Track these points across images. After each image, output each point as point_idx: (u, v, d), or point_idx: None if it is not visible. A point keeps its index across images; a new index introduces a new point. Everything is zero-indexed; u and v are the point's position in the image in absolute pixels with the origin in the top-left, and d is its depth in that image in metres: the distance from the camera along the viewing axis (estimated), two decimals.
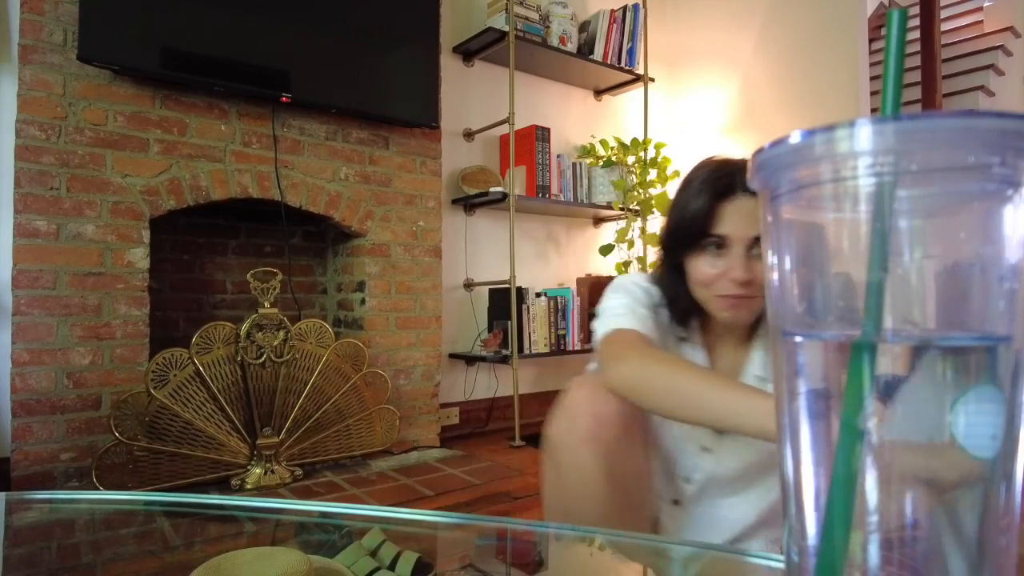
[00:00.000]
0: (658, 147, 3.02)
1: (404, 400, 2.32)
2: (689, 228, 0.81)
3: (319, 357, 2.03)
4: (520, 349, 2.51)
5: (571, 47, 2.86)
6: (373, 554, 0.57)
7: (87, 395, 1.75)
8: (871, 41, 3.04)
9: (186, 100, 1.92)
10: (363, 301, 2.32)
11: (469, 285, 2.73)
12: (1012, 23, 3.97)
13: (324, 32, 2.08)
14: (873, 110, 2.70)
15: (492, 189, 2.58)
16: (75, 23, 1.70)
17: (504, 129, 2.60)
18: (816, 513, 0.24)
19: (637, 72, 3.04)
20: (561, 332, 2.72)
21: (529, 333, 2.60)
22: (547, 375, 2.94)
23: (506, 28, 2.52)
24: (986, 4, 4.20)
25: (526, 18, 2.66)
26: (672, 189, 3.05)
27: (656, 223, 2.93)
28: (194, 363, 1.80)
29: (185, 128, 1.92)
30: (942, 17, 3.63)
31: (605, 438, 0.78)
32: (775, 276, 0.26)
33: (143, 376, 1.75)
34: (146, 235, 1.85)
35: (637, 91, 3.13)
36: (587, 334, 2.77)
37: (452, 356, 2.64)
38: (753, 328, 0.91)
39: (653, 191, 2.92)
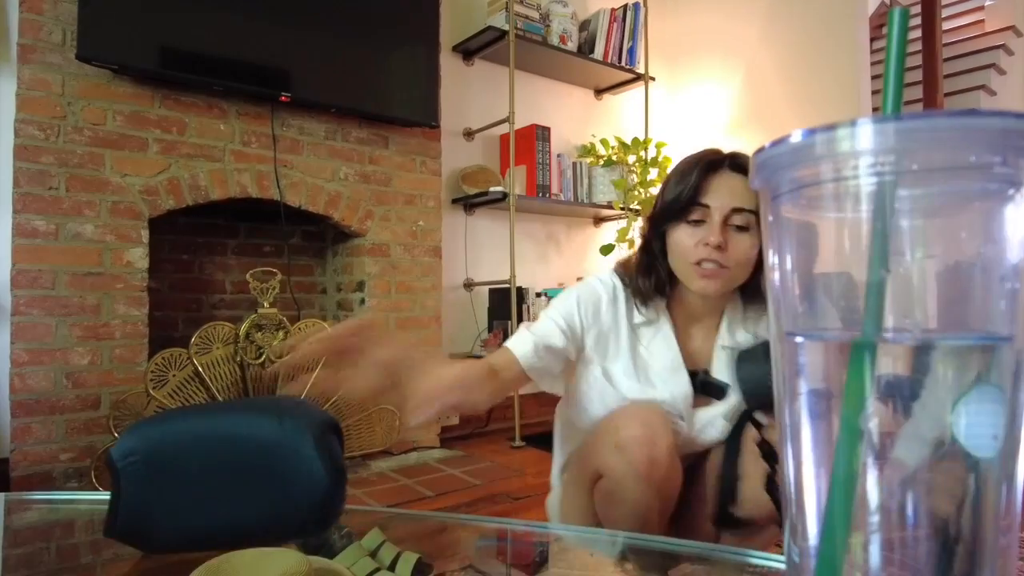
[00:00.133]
0: (659, 146, 3.01)
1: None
2: (678, 198, 0.87)
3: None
4: None
5: (571, 46, 2.86)
6: (373, 555, 0.57)
7: (86, 395, 1.75)
8: (872, 40, 3.04)
9: (185, 99, 1.91)
10: (363, 301, 2.32)
11: (469, 285, 2.72)
12: (1013, 22, 3.96)
13: (323, 31, 2.08)
14: (874, 109, 2.70)
15: (492, 189, 2.58)
16: (74, 22, 1.70)
17: (504, 128, 2.60)
18: (817, 513, 0.24)
19: (638, 71, 3.04)
20: None
21: None
22: None
23: (506, 27, 2.52)
24: (987, 3, 4.20)
25: (526, 17, 2.65)
26: None
27: None
28: (193, 363, 1.80)
29: (184, 127, 1.91)
30: (943, 16, 3.62)
31: (658, 477, 0.84)
32: (775, 276, 0.26)
33: (142, 376, 1.75)
34: (145, 235, 1.85)
35: (638, 90, 3.13)
36: None
37: (452, 356, 2.64)
38: (720, 309, 0.97)
39: (654, 190, 2.92)
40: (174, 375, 1.77)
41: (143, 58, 1.78)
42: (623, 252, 2.91)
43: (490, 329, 2.67)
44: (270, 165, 2.06)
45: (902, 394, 0.23)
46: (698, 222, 0.87)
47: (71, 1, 1.71)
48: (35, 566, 0.69)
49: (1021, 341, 0.22)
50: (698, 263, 0.87)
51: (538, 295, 2.69)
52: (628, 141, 2.99)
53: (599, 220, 3.16)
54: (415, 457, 2.25)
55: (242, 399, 0.50)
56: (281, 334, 1.94)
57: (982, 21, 4.19)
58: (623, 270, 1.00)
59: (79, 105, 1.74)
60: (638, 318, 0.97)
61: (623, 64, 3.00)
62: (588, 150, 3.04)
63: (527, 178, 2.74)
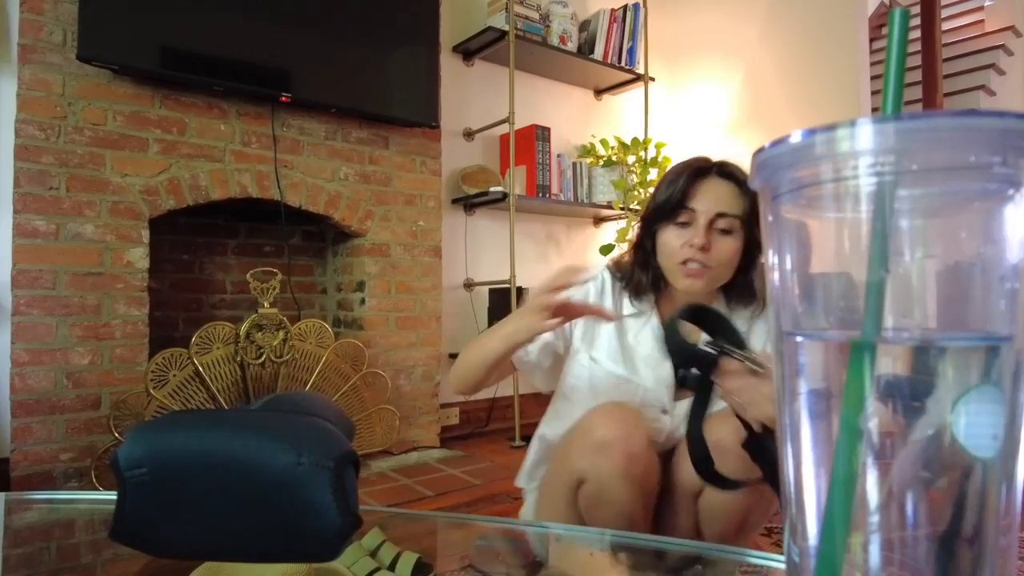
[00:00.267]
0: (658, 146, 3.02)
1: (404, 400, 2.32)
2: (668, 201, 0.93)
3: (319, 357, 2.03)
4: None
5: (571, 46, 2.86)
6: (373, 554, 0.57)
7: (86, 395, 1.75)
8: (872, 40, 3.04)
9: (185, 100, 1.91)
10: (363, 301, 2.32)
11: (469, 285, 2.72)
12: (1013, 22, 3.97)
13: (324, 31, 2.08)
14: (874, 109, 2.70)
15: (492, 189, 2.58)
16: (74, 23, 1.70)
17: (504, 129, 2.60)
18: (817, 513, 0.24)
19: (637, 71, 3.04)
20: None
21: None
22: None
23: (506, 27, 2.52)
24: (987, 3, 4.20)
25: (526, 17, 2.65)
26: None
27: None
28: (193, 363, 1.80)
29: (184, 128, 1.92)
30: (943, 16, 3.63)
31: (638, 473, 0.87)
32: (775, 276, 0.26)
33: (142, 376, 1.75)
34: (145, 235, 1.85)
35: (638, 90, 3.13)
36: None
37: (452, 356, 2.64)
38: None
39: (653, 191, 2.92)
40: (174, 375, 1.77)
41: (143, 58, 1.78)
42: (623, 252, 2.91)
43: None
44: (270, 165, 2.06)
45: (902, 394, 0.23)
46: (685, 224, 0.92)
47: (71, 1, 1.71)
48: (35, 566, 0.69)
49: (1021, 341, 0.22)
50: (684, 262, 0.92)
51: None
52: (628, 141, 2.99)
53: (599, 220, 3.16)
54: (415, 457, 2.25)
55: (257, 407, 0.50)
56: (281, 334, 1.94)
57: (982, 21, 4.19)
58: (615, 266, 1.06)
59: (79, 105, 1.74)
60: (628, 310, 1.01)
61: (623, 64, 3.00)
62: (588, 150, 3.04)
63: (527, 178, 2.74)
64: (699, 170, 0.93)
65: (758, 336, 0.98)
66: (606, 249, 2.90)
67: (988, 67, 3.82)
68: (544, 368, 1.04)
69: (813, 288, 0.25)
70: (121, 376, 1.79)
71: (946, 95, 3.45)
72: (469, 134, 2.74)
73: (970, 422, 0.22)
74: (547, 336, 0.95)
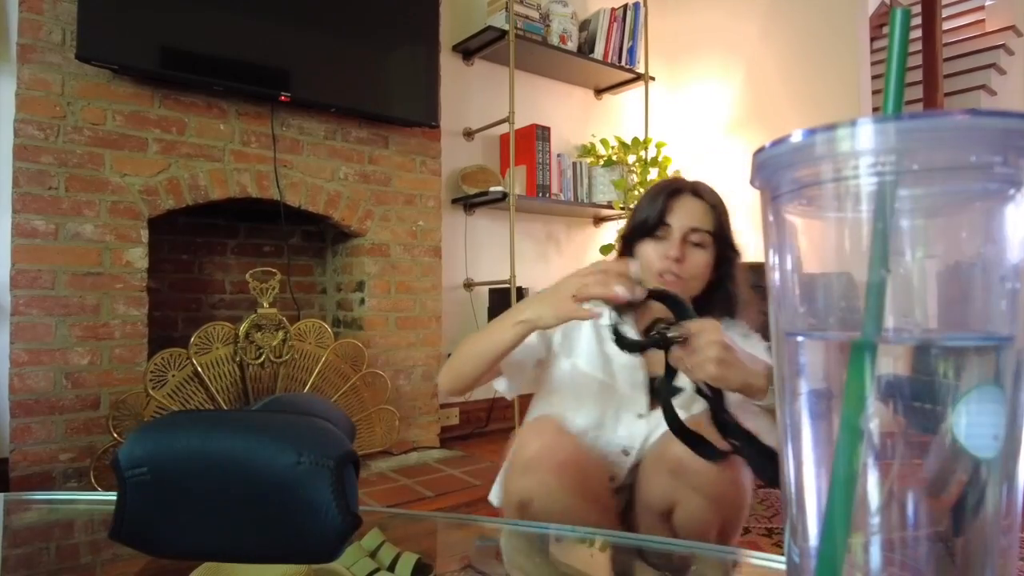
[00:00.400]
0: (659, 146, 3.01)
1: (404, 400, 2.31)
2: (646, 219, 1.01)
3: (318, 357, 2.03)
4: None
5: (571, 46, 2.86)
6: (373, 555, 0.57)
7: (86, 395, 1.74)
8: (872, 40, 3.04)
9: (185, 99, 1.91)
10: (362, 301, 2.32)
11: (469, 285, 2.72)
12: (1014, 22, 3.97)
13: (323, 31, 2.08)
14: (875, 109, 2.70)
15: (492, 189, 2.58)
16: (74, 22, 1.70)
17: (504, 128, 2.60)
18: (817, 513, 0.24)
19: (638, 71, 3.04)
20: None
21: None
22: None
23: (506, 27, 2.52)
24: (987, 3, 4.20)
25: (526, 17, 2.65)
26: None
27: None
28: (193, 363, 1.80)
29: (184, 127, 1.91)
30: (944, 16, 3.63)
31: (572, 480, 0.89)
32: (776, 276, 0.26)
33: (142, 376, 1.75)
34: (145, 235, 1.85)
35: (638, 90, 3.13)
36: None
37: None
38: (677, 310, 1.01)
39: None
40: (174, 375, 1.77)
41: (143, 58, 1.78)
42: None
43: None
44: (270, 165, 2.06)
45: (902, 394, 0.23)
46: (661, 239, 1.00)
47: (71, 1, 1.71)
48: (35, 566, 0.69)
49: (1022, 341, 0.22)
50: (660, 274, 0.99)
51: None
52: (628, 141, 2.99)
53: (599, 220, 3.16)
54: (415, 457, 2.25)
55: (257, 408, 0.50)
56: (280, 334, 1.94)
57: (982, 21, 4.20)
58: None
59: (79, 105, 1.74)
60: (606, 319, 1.01)
61: (623, 64, 3.00)
62: (588, 150, 3.04)
63: (527, 178, 2.74)
64: (675, 190, 1.03)
65: (755, 350, 0.98)
66: (606, 249, 2.90)
67: (989, 67, 3.83)
68: (526, 372, 1.05)
69: (813, 288, 0.25)
70: (120, 376, 1.79)
71: (947, 95, 3.45)
72: (469, 134, 2.74)
73: (971, 422, 0.22)
74: (532, 339, 0.96)
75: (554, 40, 2.78)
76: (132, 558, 0.60)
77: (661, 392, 0.76)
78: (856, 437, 0.23)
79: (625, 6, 3.02)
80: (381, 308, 2.32)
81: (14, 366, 1.66)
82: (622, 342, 0.79)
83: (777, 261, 0.26)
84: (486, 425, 2.73)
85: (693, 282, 1.00)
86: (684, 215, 1.00)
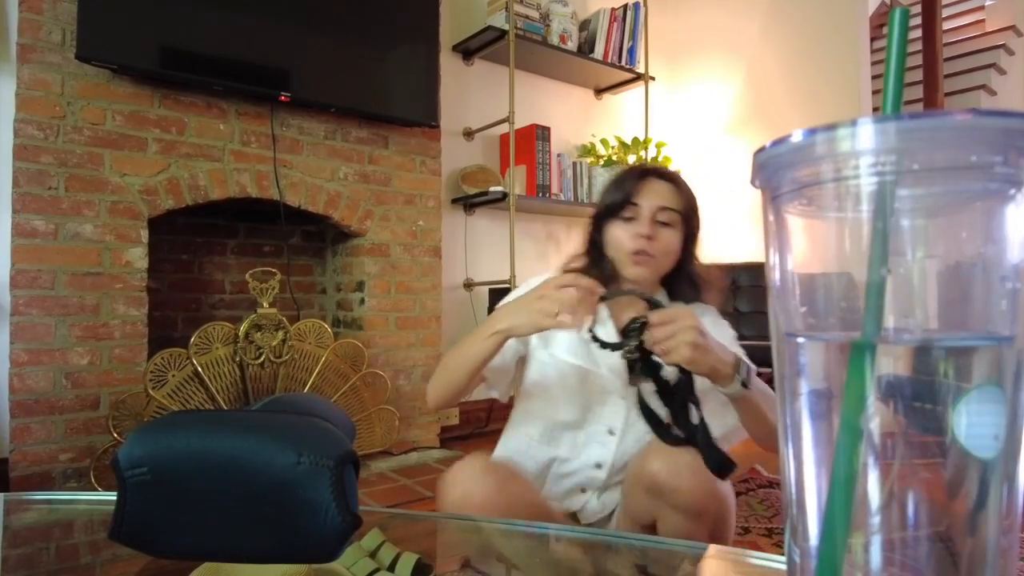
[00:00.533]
0: (659, 146, 3.01)
1: (404, 400, 2.32)
2: (615, 200, 1.05)
3: (318, 357, 2.03)
4: None
5: (571, 46, 2.85)
6: (372, 555, 0.57)
7: (85, 395, 1.74)
8: (872, 40, 3.04)
9: (185, 99, 1.91)
10: (362, 301, 2.32)
11: (469, 285, 2.72)
12: (1014, 22, 3.97)
13: (323, 30, 2.08)
14: (875, 109, 2.70)
15: (492, 188, 2.58)
16: (73, 22, 1.70)
17: (504, 128, 2.60)
18: (817, 513, 0.24)
19: (638, 71, 3.04)
20: None
21: None
22: None
23: (506, 26, 2.52)
24: (987, 3, 4.20)
25: (526, 16, 2.65)
26: None
27: None
28: (193, 363, 1.80)
29: (184, 127, 1.91)
30: (944, 16, 3.63)
31: (495, 507, 0.88)
32: (776, 276, 0.26)
33: (141, 376, 1.75)
34: (144, 235, 1.85)
35: (638, 90, 3.13)
36: None
37: None
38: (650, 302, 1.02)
39: None
40: (173, 375, 1.77)
41: (142, 58, 1.78)
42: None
43: None
44: (270, 165, 2.06)
45: (902, 394, 0.23)
46: (630, 219, 1.03)
47: (71, 1, 1.71)
48: (35, 566, 0.69)
49: (1022, 341, 0.22)
50: (633, 253, 1.02)
51: None
52: (628, 141, 2.99)
53: None
54: (415, 457, 2.24)
55: (257, 408, 0.50)
56: (280, 334, 1.94)
57: (982, 21, 4.20)
58: (567, 264, 1.14)
59: (78, 105, 1.74)
60: (583, 332, 1.01)
61: (623, 64, 3.00)
62: (588, 150, 3.04)
63: (527, 178, 2.73)
64: (641, 172, 1.07)
65: (723, 337, 1.01)
66: None
67: (989, 66, 3.83)
68: (510, 373, 1.07)
69: (813, 288, 0.25)
70: (120, 376, 1.79)
71: (947, 94, 3.45)
72: (469, 134, 2.74)
73: (971, 422, 0.22)
74: (509, 342, 0.97)
75: (554, 40, 2.78)
76: (132, 558, 0.60)
77: (642, 371, 0.82)
78: (856, 437, 0.23)
79: (625, 6, 3.02)
80: (381, 308, 2.32)
81: (14, 366, 1.66)
82: (604, 345, 0.86)
83: (777, 261, 0.26)
84: (486, 425, 2.73)
85: (665, 259, 1.03)
86: (652, 195, 1.03)
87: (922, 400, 0.22)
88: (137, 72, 1.80)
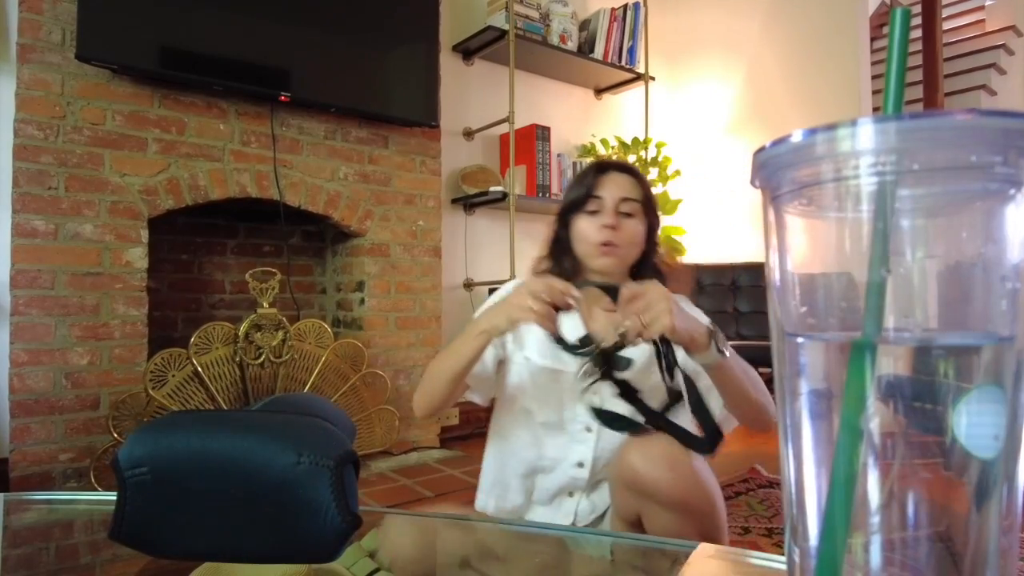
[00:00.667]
0: (659, 146, 3.01)
1: (404, 400, 2.31)
2: (579, 194, 1.08)
3: (318, 357, 2.03)
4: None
5: (571, 46, 2.86)
6: (372, 555, 0.57)
7: (85, 395, 1.74)
8: (873, 40, 3.04)
9: (184, 99, 1.91)
10: (362, 301, 2.32)
11: (469, 285, 2.72)
12: (1014, 22, 3.97)
13: (323, 30, 2.08)
14: (875, 109, 2.70)
15: (492, 188, 2.58)
16: (73, 22, 1.70)
17: (504, 128, 2.60)
18: (817, 513, 0.24)
19: (638, 71, 3.04)
20: None
21: None
22: None
23: (506, 26, 2.52)
24: (988, 3, 4.20)
25: (526, 16, 2.65)
26: (673, 188, 3.05)
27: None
28: (193, 363, 1.80)
29: (184, 127, 1.91)
30: (944, 16, 3.63)
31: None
32: (776, 276, 0.26)
33: (141, 376, 1.75)
34: (144, 235, 1.85)
35: (638, 90, 3.13)
36: None
37: None
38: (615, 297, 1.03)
39: (653, 190, 2.92)
40: (173, 375, 1.77)
41: (142, 58, 1.78)
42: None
43: None
44: (269, 165, 2.06)
45: (902, 394, 0.23)
46: (594, 212, 1.06)
47: (71, 1, 1.71)
48: (35, 566, 0.69)
49: (1022, 341, 0.22)
50: (600, 244, 1.04)
51: None
52: (628, 141, 2.99)
53: None
54: (415, 457, 2.24)
55: (257, 409, 0.49)
56: (280, 334, 1.94)
57: (982, 21, 4.20)
58: (536, 270, 1.16)
59: (78, 105, 1.74)
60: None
61: (623, 64, 3.00)
62: (588, 150, 3.04)
63: (527, 178, 2.74)
64: (601, 167, 1.10)
65: (693, 312, 1.03)
66: None
67: (989, 67, 3.83)
68: (491, 377, 1.10)
69: (813, 288, 0.25)
70: (120, 376, 1.79)
71: (947, 95, 3.45)
72: (469, 134, 2.74)
73: (971, 422, 0.22)
74: (489, 347, 0.99)
75: (554, 40, 2.78)
76: (132, 558, 0.60)
77: (618, 343, 0.82)
78: (856, 437, 0.23)
79: (625, 6, 3.02)
80: (381, 308, 2.32)
81: (14, 366, 1.66)
82: (571, 349, 0.87)
83: (777, 261, 0.26)
84: (486, 425, 2.72)
85: (632, 249, 1.06)
86: (614, 187, 1.06)
87: (922, 400, 0.22)
88: (137, 72, 1.80)
